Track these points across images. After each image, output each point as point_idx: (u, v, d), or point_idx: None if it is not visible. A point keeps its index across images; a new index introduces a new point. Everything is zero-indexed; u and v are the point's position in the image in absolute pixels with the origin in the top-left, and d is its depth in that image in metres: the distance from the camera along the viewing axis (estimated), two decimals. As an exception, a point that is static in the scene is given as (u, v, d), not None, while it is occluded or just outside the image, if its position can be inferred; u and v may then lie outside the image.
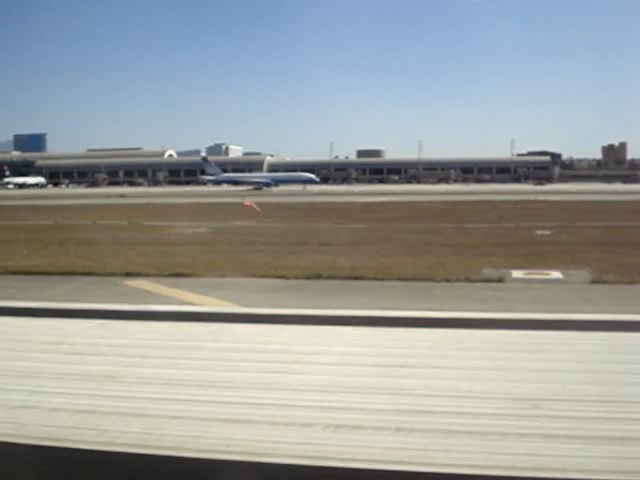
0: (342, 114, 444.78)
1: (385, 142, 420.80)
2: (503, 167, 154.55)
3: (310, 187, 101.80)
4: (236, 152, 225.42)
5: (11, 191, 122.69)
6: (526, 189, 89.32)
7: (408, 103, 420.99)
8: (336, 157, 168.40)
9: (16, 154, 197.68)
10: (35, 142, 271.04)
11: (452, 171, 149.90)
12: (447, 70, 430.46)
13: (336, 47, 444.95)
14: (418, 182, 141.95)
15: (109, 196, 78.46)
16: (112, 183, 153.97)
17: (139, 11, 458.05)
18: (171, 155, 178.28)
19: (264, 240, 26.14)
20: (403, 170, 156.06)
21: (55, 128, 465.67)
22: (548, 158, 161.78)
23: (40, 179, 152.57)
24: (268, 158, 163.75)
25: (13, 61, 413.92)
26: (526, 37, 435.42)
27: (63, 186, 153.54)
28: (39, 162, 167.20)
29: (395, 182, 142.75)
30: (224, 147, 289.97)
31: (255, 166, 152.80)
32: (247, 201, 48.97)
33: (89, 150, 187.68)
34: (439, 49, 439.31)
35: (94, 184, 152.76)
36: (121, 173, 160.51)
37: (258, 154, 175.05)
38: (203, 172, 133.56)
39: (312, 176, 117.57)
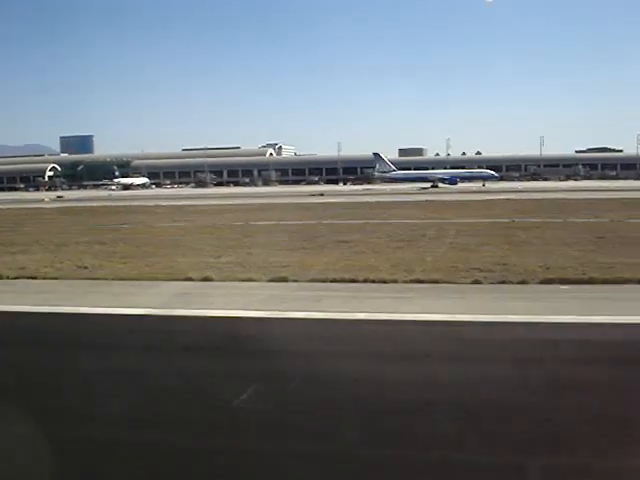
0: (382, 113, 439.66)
1: (424, 141, 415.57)
2: (628, 163, 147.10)
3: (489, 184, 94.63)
4: (289, 152, 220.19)
5: (157, 191, 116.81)
6: None
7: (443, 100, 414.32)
8: (448, 154, 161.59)
9: (66, 155, 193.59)
10: (82, 144, 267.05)
11: (580, 167, 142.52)
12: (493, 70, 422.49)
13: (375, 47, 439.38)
14: (544, 179, 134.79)
15: (311, 194, 72.29)
16: (217, 183, 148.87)
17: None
18: (271, 154, 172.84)
19: None
20: (523, 167, 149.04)
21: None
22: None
23: (145, 179, 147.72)
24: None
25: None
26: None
27: (168, 186, 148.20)
28: (135, 162, 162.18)
29: (518, 179, 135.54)
30: (277, 147, 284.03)
31: (365, 164, 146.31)
32: None
33: (184, 150, 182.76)
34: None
35: (200, 184, 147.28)
36: (225, 172, 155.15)
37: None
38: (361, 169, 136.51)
39: (493, 172, 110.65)
